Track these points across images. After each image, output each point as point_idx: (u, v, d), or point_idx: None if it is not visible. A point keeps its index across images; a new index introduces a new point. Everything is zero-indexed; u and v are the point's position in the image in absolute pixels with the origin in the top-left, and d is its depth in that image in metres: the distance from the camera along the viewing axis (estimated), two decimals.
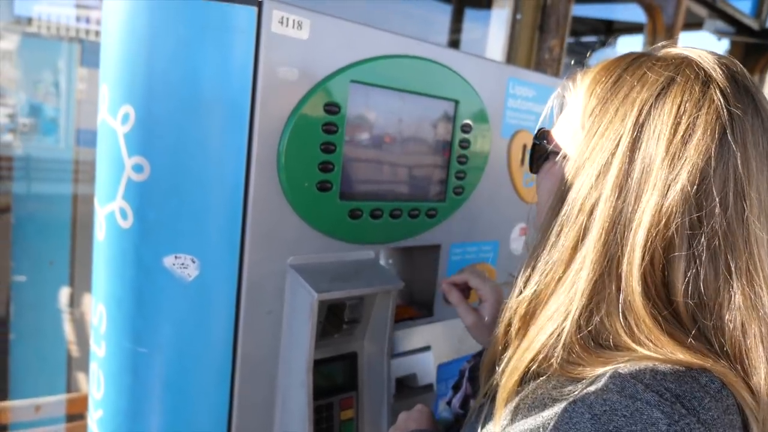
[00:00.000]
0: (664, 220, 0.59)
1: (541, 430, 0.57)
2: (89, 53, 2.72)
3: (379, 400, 1.12)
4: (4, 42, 2.59)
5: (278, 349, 0.99)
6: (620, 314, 0.60)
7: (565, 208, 0.65)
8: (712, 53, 0.66)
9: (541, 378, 0.63)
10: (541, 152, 0.75)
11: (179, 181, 0.87)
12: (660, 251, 0.59)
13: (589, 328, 0.61)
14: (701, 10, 4.39)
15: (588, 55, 0.80)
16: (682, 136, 0.59)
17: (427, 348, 1.26)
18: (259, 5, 0.84)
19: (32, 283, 2.54)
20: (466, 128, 1.17)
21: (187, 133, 0.85)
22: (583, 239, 0.63)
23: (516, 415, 0.62)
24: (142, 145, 0.87)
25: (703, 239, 0.59)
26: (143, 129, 0.86)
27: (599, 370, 0.59)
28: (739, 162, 0.59)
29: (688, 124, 0.60)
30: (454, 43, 3.72)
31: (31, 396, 2.37)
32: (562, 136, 0.72)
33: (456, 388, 1.04)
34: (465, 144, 1.18)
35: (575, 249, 0.63)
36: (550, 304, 0.64)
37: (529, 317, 0.67)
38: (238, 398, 0.95)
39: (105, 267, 0.94)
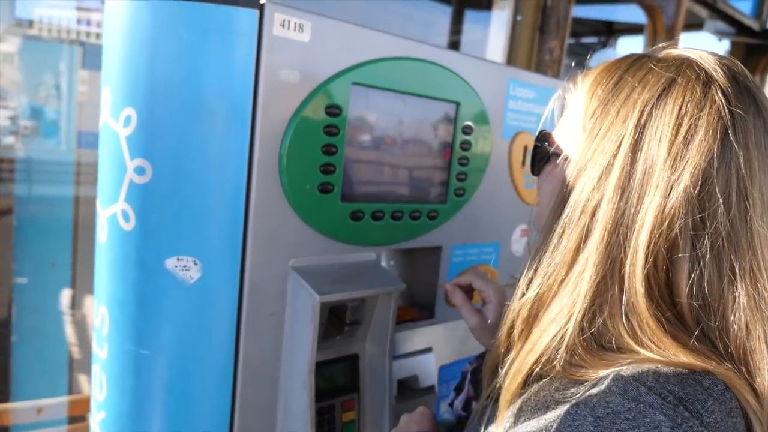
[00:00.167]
0: (667, 222, 0.59)
1: None
2: (90, 56, 2.73)
3: (381, 402, 1.12)
4: (5, 44, 2.60)
5: (280, 351, 1.00)
6: (623, 316, 0.60)
7: (567, 210, 0.65)
8: (713, 54, 0.66)
9: (543, 380, 0.63)
10: (543, 154, 0.75)
11: (181, 184, 0.87)
12: (663, 252, 0.59)
13: (592, 330, 0.61)
14: (702, 11, 4.38)
15: (588, 56, 0.80)
16: (684, 136, 0.59)
17: (428, 350, 1.26)
18: (261, 8, 0.84)
19: (34, 285, 2.53)
20: (467, 130, 1.17)
21: (188, 135, 0.85)
22: (585, 241, 0.63)
23: (519, 418, 0.62)
24: (144, 147, 0.87)
25: (706, 240, 0.59)
26: (145, 131, 0.86)
27: (602, 373, 0.59)
28: (741, 162, 0.59)
29: (690, 125, 0.60)
30: (455, 45, 3.71)
31: (33, 398, 2.37)
32: (564, 138, 0.72)
33: (458, 389, 1.04)
34: (466, 146, 1.18)
35: (578, 251, 0.63)
36: (552, 306, 0.64)
37: (531, 319, 0.67)
38: (240, 400, 0.95)
39: (107, 269, 0.94)
